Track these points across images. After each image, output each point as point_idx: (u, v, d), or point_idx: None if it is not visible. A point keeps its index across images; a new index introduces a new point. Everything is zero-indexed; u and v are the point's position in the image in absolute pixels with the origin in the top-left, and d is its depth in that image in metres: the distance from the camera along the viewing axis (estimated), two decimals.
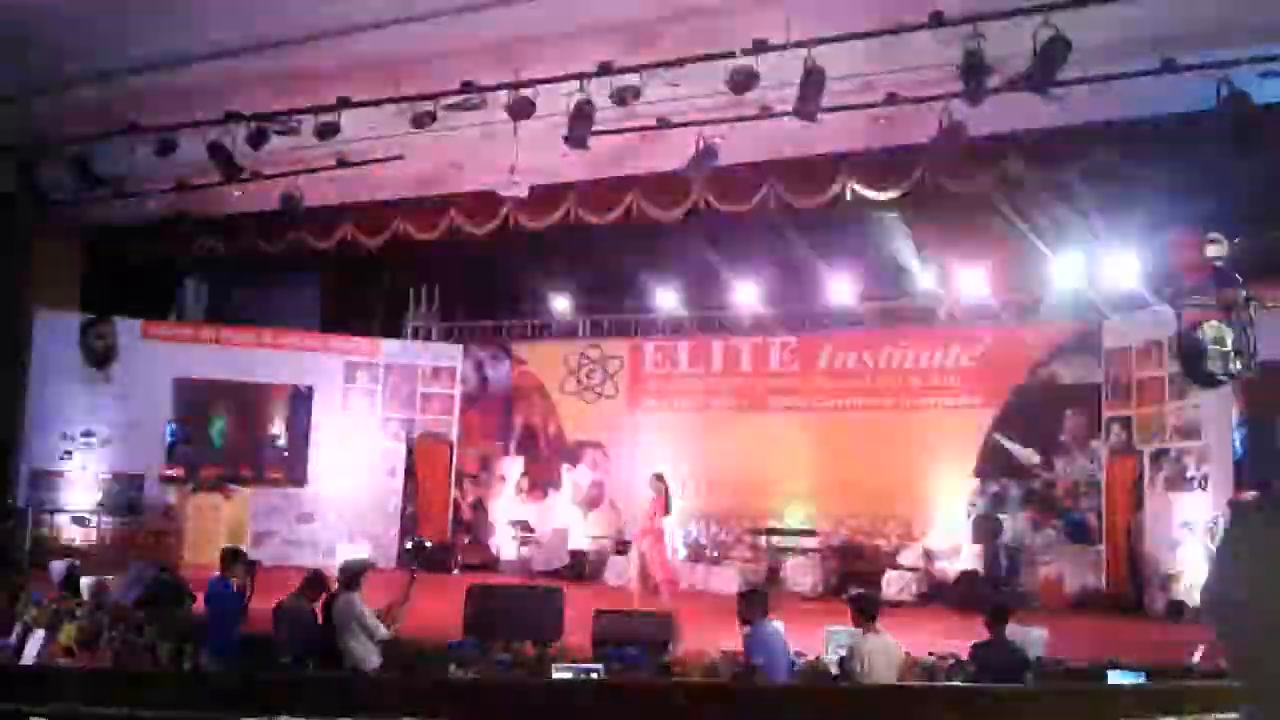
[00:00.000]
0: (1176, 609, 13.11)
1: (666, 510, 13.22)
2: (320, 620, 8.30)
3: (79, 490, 16.08)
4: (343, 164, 11.92)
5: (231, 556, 9.67)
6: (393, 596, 8.68)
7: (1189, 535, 13.22)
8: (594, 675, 7.36)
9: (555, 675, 7.14)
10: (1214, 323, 9.52)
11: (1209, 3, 8.55)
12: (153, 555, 13.39)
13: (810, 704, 4.94)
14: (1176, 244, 11.93)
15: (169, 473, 16.64)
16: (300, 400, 17.64)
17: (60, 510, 15.73)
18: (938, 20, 8.23)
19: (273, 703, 2.27)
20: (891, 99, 9.56)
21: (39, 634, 10.45)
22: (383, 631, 8.33)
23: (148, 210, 13.89)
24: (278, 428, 17.70)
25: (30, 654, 9.88)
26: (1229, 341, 9.29)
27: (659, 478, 13.40)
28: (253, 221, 14.17)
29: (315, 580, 8.55)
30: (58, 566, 12.65)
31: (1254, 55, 8.51)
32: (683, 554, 16.46)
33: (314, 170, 11.81)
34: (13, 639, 10.58)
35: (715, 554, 16.19)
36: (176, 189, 12.76)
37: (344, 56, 10.29)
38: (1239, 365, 9.35)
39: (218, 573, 9.30)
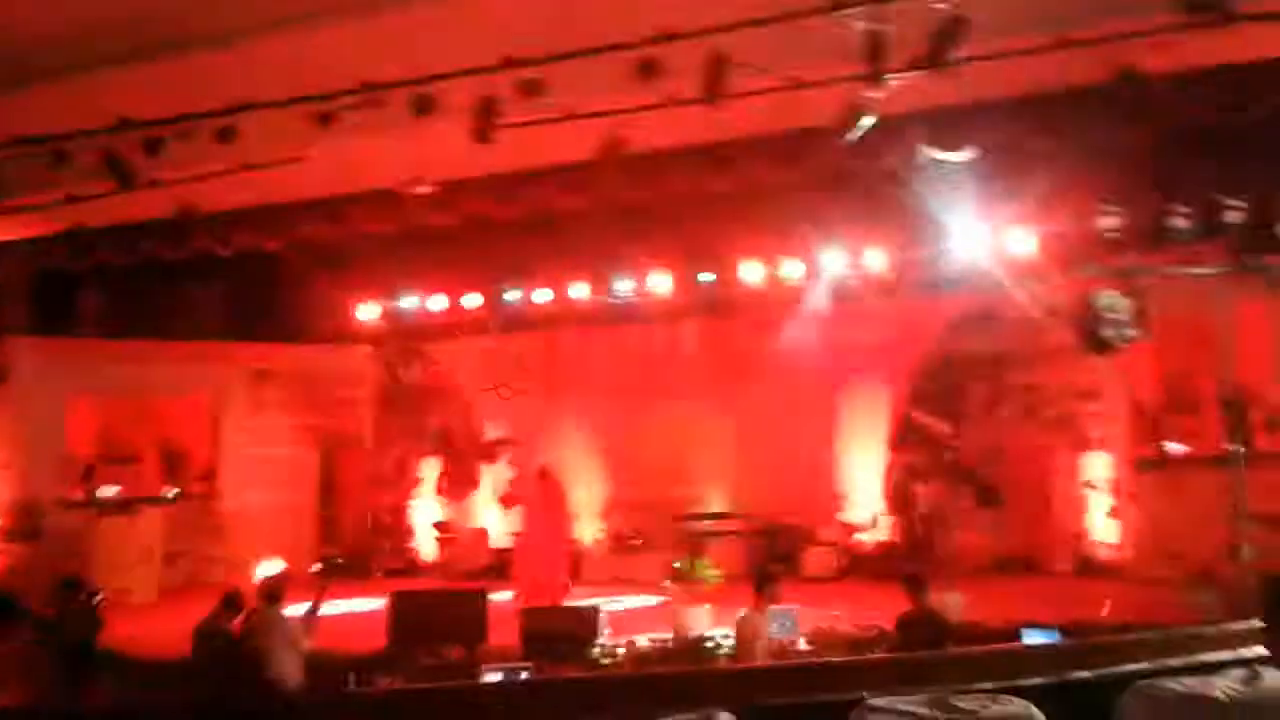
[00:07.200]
0: (1084, 565, 13.61)
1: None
2: (240, 639, 8.10)
3: None
4: (243, 167, 11.58)
5: (65, 586, 9.03)
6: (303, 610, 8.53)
7: (1093, 494, 13.71)
8: (524, 675, 7.31)
9: (486, 678, 7.08)
10: (1108, 291, 9.85)
11: None
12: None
13: (736, 685, 4.98)
14: (1073, 215, 12.32)
15: (71, 496, 16.04)
16: (207, 412, 17.18)
17: None
18: (836, 4, 8.32)
19: None
20: (795, 83, 9.63)
21: None
22: (305, 644, 8.23)
23: (40, 222, 13.32)
24: (185, 442, 17.18)
25: None
26: (1123, 309, 9.61)
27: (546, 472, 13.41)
28: (152, 229, 13.69)
29: (232, 599, 8.34)
30: None
31: (1144, 29, 8.75)
32: (605, 544, 16.52)
33: (213, 175, 11.43)
34: None
35: (639, 543, 16.24)
36: (69, 200, 12.24)
37: (242, 58, 10.02)
38: (1132, 332, 9.69)
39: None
